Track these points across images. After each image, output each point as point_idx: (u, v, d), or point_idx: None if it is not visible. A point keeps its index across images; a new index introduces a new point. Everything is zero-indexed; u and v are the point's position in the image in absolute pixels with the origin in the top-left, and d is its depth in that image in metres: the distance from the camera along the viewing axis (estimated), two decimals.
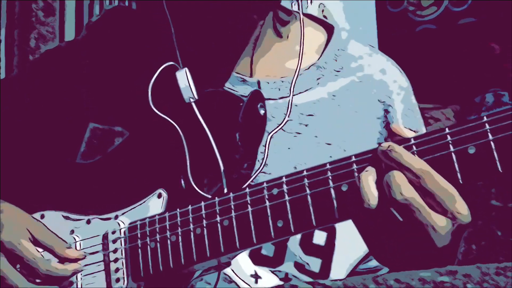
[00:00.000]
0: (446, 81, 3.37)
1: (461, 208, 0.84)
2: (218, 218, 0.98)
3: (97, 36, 1.27)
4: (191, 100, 1.10)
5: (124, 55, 1.23)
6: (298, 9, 1.20)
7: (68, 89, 1.24)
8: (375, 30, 3.41)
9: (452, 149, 0.85)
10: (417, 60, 3.31)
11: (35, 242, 1.10)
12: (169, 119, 1.08)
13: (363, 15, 3.38)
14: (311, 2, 3.17)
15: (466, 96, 3.31)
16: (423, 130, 1.23)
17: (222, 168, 1.04)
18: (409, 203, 0.84)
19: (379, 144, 0.89)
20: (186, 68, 1.12)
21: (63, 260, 1.09)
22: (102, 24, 1.29)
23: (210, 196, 1.01)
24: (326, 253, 1.15)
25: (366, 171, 0.87)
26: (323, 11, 3.25)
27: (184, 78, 1.11)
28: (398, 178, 0.85)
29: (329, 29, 1.27)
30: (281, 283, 1.13)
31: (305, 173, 0.92)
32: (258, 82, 1.18)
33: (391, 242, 0.88)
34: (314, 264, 1.14)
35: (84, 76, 1.24)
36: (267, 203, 0.94)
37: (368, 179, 0.87)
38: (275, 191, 0.94)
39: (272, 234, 0.93)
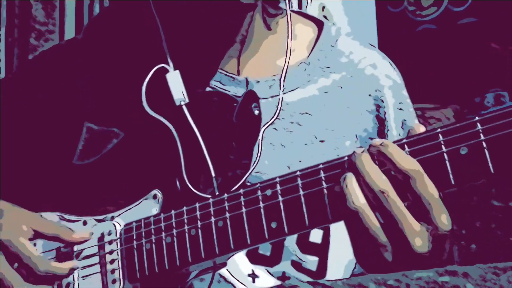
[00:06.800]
0: (446, 81, 3.37)
1: (444, 218, 0.84)
2: (212, 219, 0.98)
3: (92, 36, 1.27)
4: (182, 103, 1.10)
5: (118, 55, 1.23)
6: (286, 6, 1.21)
7: (64, 90, 1.24)
8: (375, 30, 3.41)
9: (444, 149, 0.84)
10: (417, 60, 3.31)
11: (38, 235, 1.10)
12: (164, 120, 1.08)
13: (363, 15, 3.38)
14: (310, 3, 3.17)
15: (466, 96, 3.31)
16: (416, 123, 1.23)
17: (212, 170, 1.04)
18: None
19: (371, 139, 0.88)
20: (178, 71, 1.12)
21: (70, 245, 1.10)
22: (97, 24, 1.29)
23: (208, 196, 1.01)
24: (322, 251, 1.15)
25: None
26: (323, 9, 3.25)
27: (174, 81, 1.11)
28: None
29: (319, 25, 1.26)
30: (279, 282, 1.12)
31: (298, 173, 0.92)
32: (246, 80, 1.18)
33: (372, 245, 0.88)
34: (311, 262, 1.14)
35: (80, 76, 1.24)
36: (261, 204, 0.94)
37: (353, 180, 0.87)
38: (268, 192, 0.94)
39: (266, 235, 0.93)
